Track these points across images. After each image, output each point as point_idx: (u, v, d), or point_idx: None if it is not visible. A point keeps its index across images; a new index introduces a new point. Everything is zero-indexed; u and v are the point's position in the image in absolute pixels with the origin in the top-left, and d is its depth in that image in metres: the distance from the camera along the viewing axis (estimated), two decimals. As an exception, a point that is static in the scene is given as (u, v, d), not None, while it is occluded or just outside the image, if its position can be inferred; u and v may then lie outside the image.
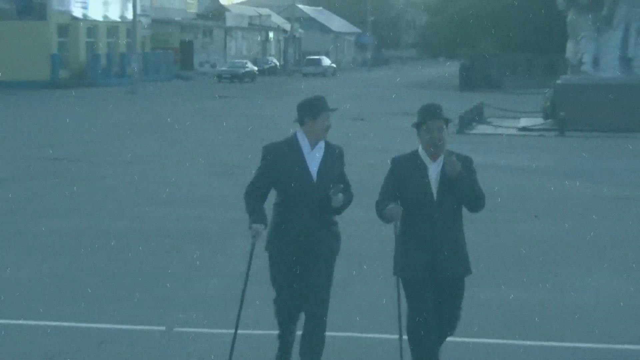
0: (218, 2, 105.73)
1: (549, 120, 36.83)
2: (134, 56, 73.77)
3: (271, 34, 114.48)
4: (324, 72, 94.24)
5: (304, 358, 8.37)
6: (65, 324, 10.57)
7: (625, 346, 9.47)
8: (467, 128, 35.48)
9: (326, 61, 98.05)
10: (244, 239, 9.23)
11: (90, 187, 21.52)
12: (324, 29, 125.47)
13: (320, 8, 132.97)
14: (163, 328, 10.39)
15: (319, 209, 8.16)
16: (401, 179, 7.98)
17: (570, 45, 40.61)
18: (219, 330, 10.04)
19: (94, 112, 44.48)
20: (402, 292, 8.27)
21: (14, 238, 15.58)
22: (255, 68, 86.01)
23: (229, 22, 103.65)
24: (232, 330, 10.10)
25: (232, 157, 27.26)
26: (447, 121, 7.95)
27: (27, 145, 30.16)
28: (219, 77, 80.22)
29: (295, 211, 8.13)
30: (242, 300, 8.28)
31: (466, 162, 7.86)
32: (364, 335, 10.24)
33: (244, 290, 8.18)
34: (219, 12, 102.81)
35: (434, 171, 7.88)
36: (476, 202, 7.96)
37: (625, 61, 38.33)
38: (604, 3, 38.21)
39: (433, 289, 7.94)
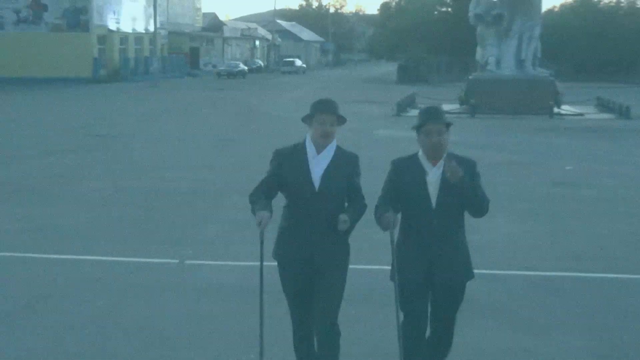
0: (217, 18, 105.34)
1: (463, 106, 36.86)
2: (155, 59, 73.44)
3: (257, 42, 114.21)
4: (297, 71, 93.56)
5: None
6: (102, 258, 10.53)
7: (511, 272, 9.58)
8: (402, 112, 35.42)
9: (298, 62, 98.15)
10: (239, 196, 9.13)
11: (123, 157, 21.38)
12: (296, 38, 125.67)
13: (294, 23, 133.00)
14: (177, 261, 10.33)
15: (323, 219, 6.08)
16: (400, 183, 6.19)
17: (479, 50, 41.01)
18: (220, 262, 10.02)
19: (125, 101, 44.23)
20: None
21: (65, 195, 15.45)
22: (246, 68, 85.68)
23: (226, 34, 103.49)
24: (230, 262, 10.20)
25: (228, 133, 27.21)
26: (448, 125, 6.10)
27: (75, 125, 29.92)
28: (219, 74, 79.93)
29: (299, 218, 6.16)
30: (261, 298, 6.13)
31: (469, 165, 6.08)
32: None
33: (261, 285, 6.13)
34: (218, 26, 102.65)
35: (433, 176, 6.07)
36: (479, 207, 6.14)
37: (519, 62, 38.83)
38: (503, 19, 38.61)
39: (430, 295, 6.25)
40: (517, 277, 9.42)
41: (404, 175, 6.13)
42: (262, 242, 6.06)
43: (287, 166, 6.16)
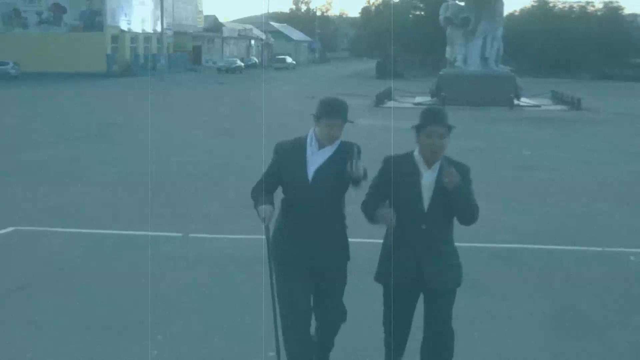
0: (217, 20, 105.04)
1: (435, 98, 36.92)
2: (162, 56, 73.39)
3: (253, 42, 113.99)
4: (287, 67, 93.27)
5: None
6: (115, 231, 10.49)
7: (476, 244, 9.48)
8: (381, 103, 35.53)
9: (289, 59, 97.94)
10: (236, 177, 9.09)
11: (133, 143, 21.27)
12: (287, 38, 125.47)
13: (285, 24, 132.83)
14: (181, 234, 10.27)
15: (318, 213, 5.32)
16: (391, 181, 5.32)
17: (448, 49, 41.28)
18: (219, 236, 9.97)
19: (135, 94, 43.98)
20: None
21: (82, 176, 15.38)
22: (242, 64, 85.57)
23: (225, 34, 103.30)
24: (228, 235, 10.18)
25: (227, 122, 27.12)
26: (449, 128, 5.28)
27: (90, 114, 29.85)
28: (218, 70, 79.95)
29: (294, 213, 5.40)
30: (273, 295, 5.41)
31: (462, 170, 5.28)
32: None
33: (272, 284, 5.40)
34: (218, 27, 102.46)
35: (427, 179, 5.26)
36: (470, 215, 5.34)
37: (484, 59, 39.02)
38: (470, 22, 38.75)
39: (418, 300, 5.52)
40: (482, 249, 9.37)
41: (397, 173, 5.29)
42: (268, 239, 5.43)
43: (286, 159, 5.42)
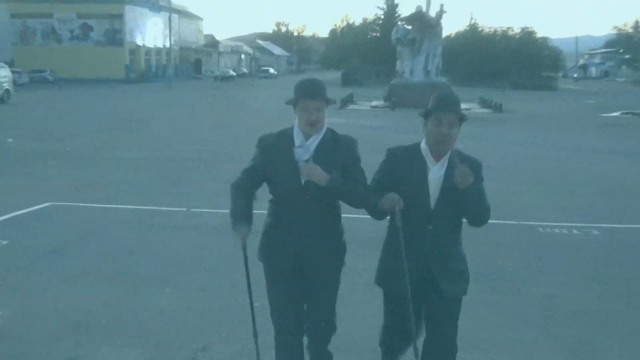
0: (214, 38, 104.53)
1: (387, 102, 36.98)
2: (170, 66, 72.58)
3: (243, 56, 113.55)
4: (270, 76, 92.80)
5: None
6: (130, 206, 10.39)
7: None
8: (345, 106, 35.57)
9: (272, 70, 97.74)
10: (229, 163, 9.05)
11: (146, 134, 21.15)
12: (270, 53, 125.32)
13: (268, 42, 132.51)
14: (185, 209, 10.19)
15: (312, 216, 3.92)
16: (396, 175, 3.95)
17: (398, 63, 41.45)
18: (215, 210, 9.89)
19: (148, 96, 43.83)
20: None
21: (104, 161, 15.26)
22: (234, 73, 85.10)
23: (220, 49, 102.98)
24: (223, 210, 10.15)
25: (222, 117, 27.14)
26: (462, 118, 3.93)
27: (112, 112, 29.65)
28: (215, 78, 79.51)
29: (285, 216, 3.99)
30: (252, 313, 4.11)
31: (474, 166, 3.89)
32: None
33: (251, 302, 4.12)
34: (215, 44, 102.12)
35: (435, 174, 3.91)
36: (482, 217, 4.00)
37: (426, 72, 39.12)
38: (415, 42, 38.89)
39: (423, 306, 4.08)
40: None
41: (402, 167, 3.93)
42: (246, 257, 4.01)
43: (272, 156, 3.95)
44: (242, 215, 3.92)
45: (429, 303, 3.98)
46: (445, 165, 3.88)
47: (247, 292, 4.07)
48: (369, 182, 3.99)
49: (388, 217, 3.98)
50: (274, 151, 3.94)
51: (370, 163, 4.09)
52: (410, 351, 3.98)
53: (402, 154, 3.98)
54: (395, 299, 3.99)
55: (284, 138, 3.97)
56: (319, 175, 3.73)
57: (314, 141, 3.93)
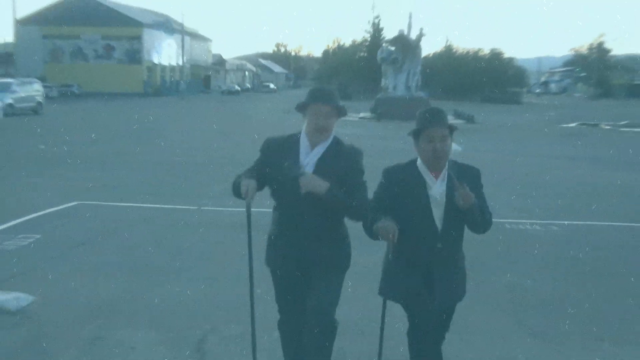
0: (222, 57, 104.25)
1: (373, 114, 37.00)
2: (183, 82, 72.75)
3: (247, 72, 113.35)
4: (271, 91, 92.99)
5: None
6: (147, 205, 10.35)
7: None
8: (336, 117, 35.62)
9: (272, 86, 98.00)
10: (233, 166, 9.00)
11: (161, 141, 21.08)
12: (270, 70, 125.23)
13: (269, 60, 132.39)
14: (196, 207, 10.15)
15: (313, 223, 3.48)
16: (396, 196, 3.49)
17: (383, 80, 41.47)
18: (223, 208, 9.88)
19: (163, 107, 43.70)
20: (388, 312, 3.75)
21: (123, 164, 15.22)
22: (239, 88, 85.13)
23: (227, 67, 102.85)
24: (229, 208, 10.16)
25: (228, 126, 27.06)
26: (452, 129, 3.51)
27: (130, 121, 29.54)
28: (222, 92, 79.47)
29: (287, 222, 3.57)
30: (251, 285, 3.70)
31: (473, 174, 3.52)
32: None
33: (250, 269, 3.67)
34: (222, 62, 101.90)
35: (436, 192, 3.44)
36: (484, 226, 3.50)
37: (407, 87, 39.17)
38: (398, 61, 38.98)
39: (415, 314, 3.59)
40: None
41: (401, 188, 3.44)
42: (249, 216, 3.56)
43: (276, 160, 3.48)
44: (248, 173, 3.55)
45: (424, 311, 3.49)
46: (445, 180, 3.42)
47: (248, 273, 3.67)
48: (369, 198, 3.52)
49: None
50: (279, 155, 3.49)
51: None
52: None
53: (399, 174, 3.49)
54: (409, 306, 3.58)
55: (290, 143, 3.52)
56: (316, 185, 3.31)
57: (318, 153, 3.46)
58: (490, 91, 68.42)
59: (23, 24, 66.71)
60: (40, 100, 35.60)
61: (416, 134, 3.45)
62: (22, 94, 34.15)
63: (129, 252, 7.51)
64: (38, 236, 8.11)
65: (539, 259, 7.46)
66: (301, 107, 3.52)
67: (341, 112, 3.49)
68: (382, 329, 3.67)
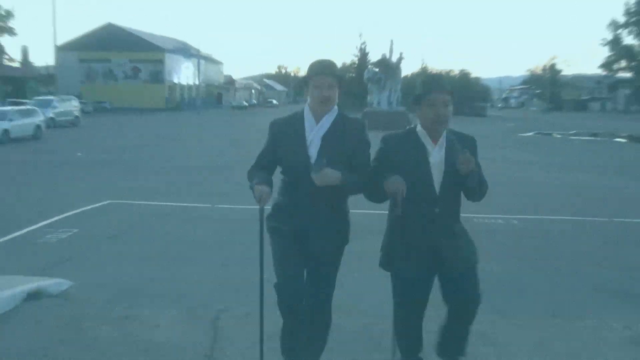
0: (232, 77, 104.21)
1: (361, 125, 37.01)
2: (198, 99, 72.56)
3: (253, 90, 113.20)
4: (273, 106, 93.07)
5: (300, 355, 3.32)
6: (168, 203, 10.29)
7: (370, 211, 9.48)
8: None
9: (274, 102, 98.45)
10: (242, 169, 9.06)
11: (180, 148, 21.07)
12: (273, 89, 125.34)
13: (272, 80, 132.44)
14: (210, 205, 10.08)
15: (321, 195, 3.05)
16: (394, 162, 3.07)
17: (369, 96, 41.39)
18: (234, 206, 9.84)
19: (182, 120, 43.62)
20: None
21: (147, 169, 15.14)
22: (247, 104, 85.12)
23: (236, 85, 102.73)
24: (240, 206, 10.18)
25: (238, 136, 26.93)
26: (452, 94, 3.13)
27: (154, 132, 29.52)
28: (232, 107, 79.38)
29: (294, 194, 3.14)
30: (262, 281, 3.30)
31: (470, 143, 3.14)
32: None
33: (261, 268, 3.27)
34: (232, 81, 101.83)
35: (435, 157, 3.07)
36: (481, 193, 3.18)
37: (390, 103, 38.93)
38: (382, 81, 38.99)
39: (437, 284, 3.19)
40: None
41: (400, 154, 3.04)
42: (262, 221, 3.22)
43: (283, 138, 3.15)
44: (262, 177, 3.11)
45: (442, 279, 3.11)
46: (444, 147, 3.06)
47: (259, 264, 3.28)
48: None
49: (388, 202, 3.10)
50: (285, 133, 3.15)
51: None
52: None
53: (398, 141, 3.11)
54: (405, 281, 3.11)
55: (295, 120, 3.18)
56: (331, 178, 2.93)
57: (323, 127, 3.07)
58: (459, 105, 68.50)
59: (63, 50, 66.58)
60: (77, 114, 35.66)
61: (417, 100, 3.09)
62: (62, 109, 34.32)
63: (152, 242, 7.49)
64: (76, 230, 8.08)
65: (501, 247, 7.46)
66: (303, 82, 3.14)
67: (342, 83, 3.13)
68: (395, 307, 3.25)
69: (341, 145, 3.05)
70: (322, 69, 3.06)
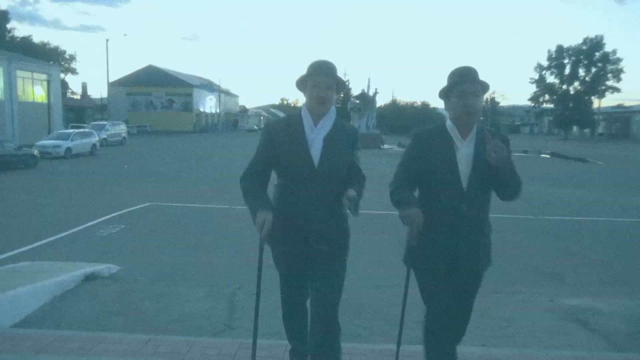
0: (245, 107, 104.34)
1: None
2: (219, 124, 72.28)
3: (262, 117, 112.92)
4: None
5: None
6: (196, 205, 10.23)
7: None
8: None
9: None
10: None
11: (206, 162, 20.95)
12: (278, 116, 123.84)
13: (277, 109, 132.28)
14: (227, 206, 9.96)
15: (323, 199, 2.29)
16: (424, 158, 2.27)
17: (351, 122, 40.96)
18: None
19: (207, 141, 43.38)
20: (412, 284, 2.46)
21: (180, 179, 14.99)
22: (257, 128, 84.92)
23: (249, 113, 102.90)
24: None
25: (250, 152, 26.75)
26: (483, 86, 2.20)
27: (185, 150, 29.37)
28: (246, 131, 79.20)
29: (295, 200, 2.32)
30: (257, 306, 2.51)
31: (503, 139, 2.22)
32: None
33: (257, 294, 2.56)
34: (245, 110, 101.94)
35: (464, 153, 2.21)
36: (515, 189, 2.27)
37: (367, 127, 38.61)
38: (361, 110, 39.05)
39: (452, 281, 2.33)
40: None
41: (429, 151, 2.34)
42: (261, 250, 2.51)
43: (281, 141, 2.43)
44: (263, 200, 2.41)
45: (458, 279, 2.38)
46: (474, 141, 2.28)
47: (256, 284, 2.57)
48: (396, 165, 2.49)
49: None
50: (283, 135, 2.40)
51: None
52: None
53: (427, 136, 2.37)
54: (430, 276, 2.36)
55: (292, 121, 2.44)
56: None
57: (323, 129, 2.39)
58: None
59: (114, 85, 66.18)
60: (125, 135, 35.60)
61: (446, 92, 2.31)
62: (113, 132, 34.35)
63: (184, 235, 7.43)
64: (123, 226, 8.02)
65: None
66: (301, 82, 2.43)
67: (340, 85, 2.42)
68: (404, 302, 2.50)
69: (342, 148, 2.41)
70: (321, 69, 2.38)
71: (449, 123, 2.35)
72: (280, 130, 2.45)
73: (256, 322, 2.48)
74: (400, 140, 42.25)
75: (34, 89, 34.90)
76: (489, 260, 2.43)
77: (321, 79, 2.38)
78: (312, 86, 2.38)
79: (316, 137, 2.40)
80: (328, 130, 2.42)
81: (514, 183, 2.29)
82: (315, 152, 2.37)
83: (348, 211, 2.25)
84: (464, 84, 2.26)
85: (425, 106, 78.72)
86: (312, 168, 2.35)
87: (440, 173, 2.29)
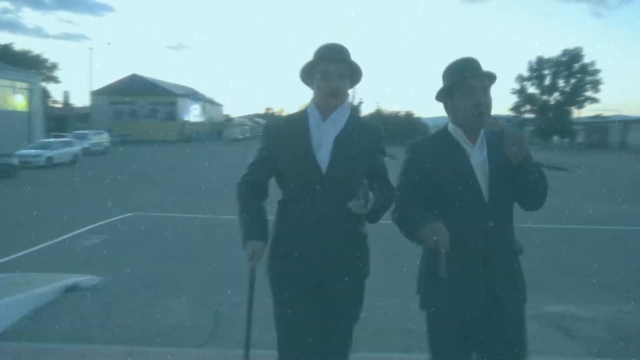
0: (230, 116, 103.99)
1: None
2: (204, 133, 71.97)
3: (246, 126, 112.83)
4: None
5: None
6: (187, 215, 10.14)
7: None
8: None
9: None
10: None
11: (190, 172, 20.82)
12: (262, 125, 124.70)
13: (261, 118, 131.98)
14: (212, 216, 9.87)
15: (335, 216, 1.61)
16: (431, 172, 1.59)
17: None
18: (235, 217, 9.76)
19: (191, 150, 43.08)
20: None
21: (164, 188, 14.88)
22: (242, 137, 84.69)
23: (234, 123, 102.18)
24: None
25: (233, 162, 26.63)
26: (491, 78, 1.58)
27: (169, 159, 29.15)
28: (230, 140, 78.64)
29: (301, 217, 1.67)
30: (248, 340, 1.95)
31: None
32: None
33: (248, 330, 1.96)
34: (230, 119, 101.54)
35: (477, 159, 1.56)
36: (542, 194, 1.61)
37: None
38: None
39: (484, 328, 1.54)
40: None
41: (436, 161, 1.71)
42: (252, 283, 2.05)
43: (283, 142, 1.85)
44: (257, 224, 1.94)
45: (494, 318, 1.73)
46: (485, 145, 1.77)
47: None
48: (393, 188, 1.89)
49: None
50: (286, 137, 1.88)
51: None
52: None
53: (428, 146, 1.83)
54: (457, 330, 1.72)
55: (297, 118, 1.91)
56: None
57: (334, 126, 1.84)
58: (405, 138, 69.15)
59: (96, 94, 65.74)
60: (108, 145, 35.49)
61: (448, 92, 1.78)
62: (95, 141, 34.29)
63: (167, 245, 7.36)
64: (105, 236, 7.91)
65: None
66: (307, 71, 1.86)
67: (356, 72, 1.85)
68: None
69: (360, 151, 1.85)
70: (331, 53, 1.81)
71: (452, 127, 1.80)
72: (282, 129, 1.89)
73: (247, 353, 2.00)
74: (386, 149, 42.63)
75: (15, 98, 34.39)
76: (525, 293, 1.80)
77: (332, 66, 1.79)
78: (321, 76, 1.81)
79: (324, 136, 1.82)
80: (341, 128, 1.83)
81: (542, 183, 1.74)
82: (324, 155, 1.79)
83: (353, 207, 1.70)
84: (471, 79, 1.71)
85: (409, 115, 79.61)
86: (319, 175, 1.77)
87: (456, 186, 1.71)
